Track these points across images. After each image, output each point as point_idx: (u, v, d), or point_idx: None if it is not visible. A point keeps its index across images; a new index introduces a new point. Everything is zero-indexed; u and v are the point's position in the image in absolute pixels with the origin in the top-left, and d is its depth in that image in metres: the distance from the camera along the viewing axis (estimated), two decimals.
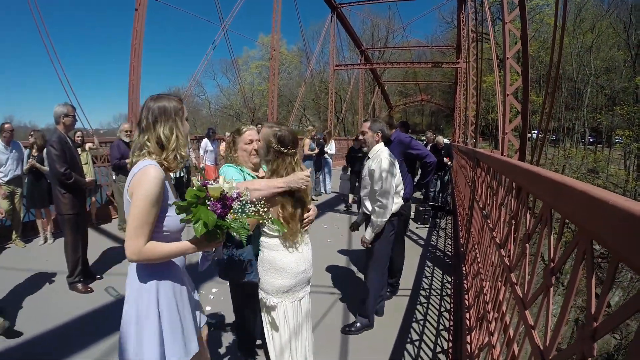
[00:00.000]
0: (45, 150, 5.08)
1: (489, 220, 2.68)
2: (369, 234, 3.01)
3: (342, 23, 21.53)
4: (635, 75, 26.47)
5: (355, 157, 7.48)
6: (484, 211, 3.14)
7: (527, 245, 1.47)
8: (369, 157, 3.15)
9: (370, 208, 3.06)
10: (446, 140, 10.00)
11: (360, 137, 3.27)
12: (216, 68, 48.03)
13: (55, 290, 3.82)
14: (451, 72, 31.11)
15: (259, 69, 44.53)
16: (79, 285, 3.85)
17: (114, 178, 6.29)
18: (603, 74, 29.76)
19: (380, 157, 2.97)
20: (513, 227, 1.80)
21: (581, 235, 0.96)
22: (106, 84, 73.45)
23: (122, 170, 5.56)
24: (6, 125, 5.20)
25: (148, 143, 1.47)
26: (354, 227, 3.52)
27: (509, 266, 1.71)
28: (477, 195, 3.89)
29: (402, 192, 3.22)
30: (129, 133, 5.73)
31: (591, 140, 30.85)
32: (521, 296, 1.42)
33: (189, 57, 69.62)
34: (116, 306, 3.45)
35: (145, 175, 1.38)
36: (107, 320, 3.10)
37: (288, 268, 1.94)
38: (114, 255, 4.85)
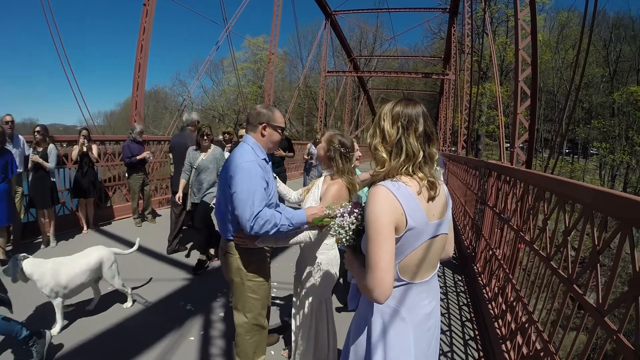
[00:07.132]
0: (49, 146, 4.90)
1: (522, 230, 2.76)
2: None
3: (334, 30, 21.70)
4: (613, 91, 27.79)
5: None
6: (503, 215, 3.34)
7: (599, 257, 1.57)
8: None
9: None
10: None
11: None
12: (200, 68, 46.83)
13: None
14: (434, 82, 31.56)
15: (244, 70, 43.63)
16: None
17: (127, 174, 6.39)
18: (582, 89, 30.96)
19: None
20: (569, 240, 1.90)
21: None
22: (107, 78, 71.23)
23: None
24: (7, 117, 4.87)
25: None
26: None
27: (569, 278, 1.81)
28: (489, 201, 4.07)
29: None
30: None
31: (567, 151, 32.12)
32: (599, 303, 1.52)
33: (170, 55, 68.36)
34: None
35: None
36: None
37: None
38: None
